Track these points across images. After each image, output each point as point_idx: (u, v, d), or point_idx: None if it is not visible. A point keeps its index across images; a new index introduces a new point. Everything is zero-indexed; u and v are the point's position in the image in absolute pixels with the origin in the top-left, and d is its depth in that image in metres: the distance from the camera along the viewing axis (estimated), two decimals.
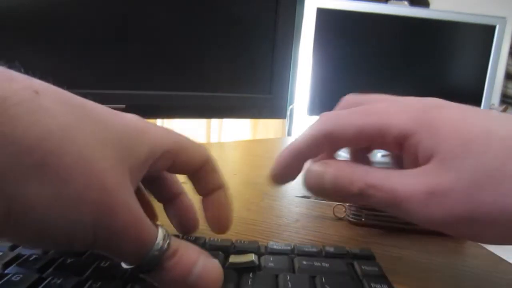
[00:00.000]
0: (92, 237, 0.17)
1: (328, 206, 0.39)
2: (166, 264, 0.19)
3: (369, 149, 0.28)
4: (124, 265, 0.19)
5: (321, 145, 0.24)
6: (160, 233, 0.19)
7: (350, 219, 0.37)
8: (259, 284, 0.22)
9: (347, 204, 0.37)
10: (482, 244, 0.34)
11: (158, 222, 0.28)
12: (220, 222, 0.26)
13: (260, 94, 0.50)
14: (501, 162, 0.18)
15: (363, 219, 0.36)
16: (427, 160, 0.21)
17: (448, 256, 0.31)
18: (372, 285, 0.22)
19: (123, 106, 0.44)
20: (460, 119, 0.21)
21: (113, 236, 0.17)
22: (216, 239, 0.27)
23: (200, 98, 0.48)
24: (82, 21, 0.42)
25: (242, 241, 0.27)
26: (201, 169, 0.25)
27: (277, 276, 0.22)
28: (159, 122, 1.42)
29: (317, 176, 0.23)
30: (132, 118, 0.22)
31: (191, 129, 1.52)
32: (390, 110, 0.23)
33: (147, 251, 0.18)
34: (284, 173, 0.25)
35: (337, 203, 0.38)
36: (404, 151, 0.23)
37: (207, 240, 0.27)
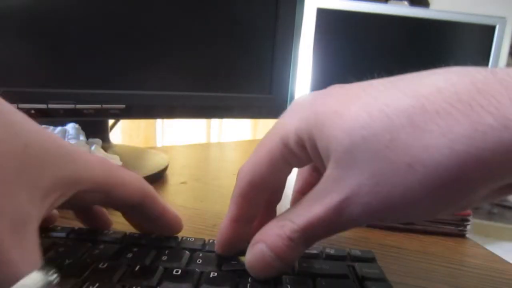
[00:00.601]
0: None
1: None
2: None
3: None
4: None
5: (254, 201, 0.23)
6: (32, 277, 0.15)
7: None
8: (259, 286, 0.21)
9: None
10: (482, 244, 0.34)
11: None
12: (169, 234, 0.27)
13: (260, 94, 0.50)
14: (385, 142, 0.17)
15: None
16: (327, 162, 0.19)
17: (448, 256, 0.31)
18: (373, 287, 0.22)
19: (123, 106, 0.44)
20: (340, 105, 0.19)
21: None
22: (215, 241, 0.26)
23: (200, 98, 0.48)
24: (82, 21, 0.42)
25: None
26: (141, 204, 0.25)
27: (277, 278, 0.22)
28: (159, 122, 1.42)
29: (260, 262, 0.21)
30: (52, 136, 0.19)
31: (191, 129, 1.52)
32: (286, 117, 0.21)
33: None
34: (231, 245, 0.24)
35: None
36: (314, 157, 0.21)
37: (206, 241, 0.26)
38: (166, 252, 0.24)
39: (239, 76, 0.50)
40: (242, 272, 0.23)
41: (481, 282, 0.28)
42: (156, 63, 0.46)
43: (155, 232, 0.27)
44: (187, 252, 0.25)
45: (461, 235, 0.35)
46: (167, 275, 0.22)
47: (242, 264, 0.23)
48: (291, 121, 0.21)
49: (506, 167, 0.15)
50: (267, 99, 0.50)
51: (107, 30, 0.43)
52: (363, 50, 0.89)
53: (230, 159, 0.68)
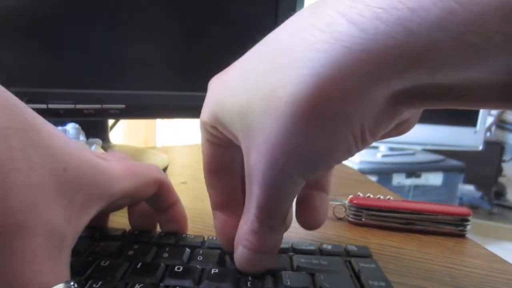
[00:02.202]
0: None
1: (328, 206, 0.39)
2: None
3: None
4: None
5: (221, 186, 0.24)
6: None
7: (350, 219, 0.37)
8: (259, 282, 0.22)
9: (347, 204, 0.37)
10: (482, 244, 0.34)
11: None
12: (176, 231, 0.27)
13: None
14: (248, 96, 0.18)
15: (363, 219, 0.36)
16: (238, 138, 0.20)
17: (448, 256, 0.31)
18: (370, 282, 0.22)
19: (123, 106, 0.44)
20: (228, 75, 0.21)
21: None
22: (215, 238, 0.27)
23: (200, 98, 0.48)
24: (82, 21, 0.42)
25: None
26: (156, 192, 0.26)
27: (276, 274, 0.22)
28: (159, 122, 1.42)
29: (245, 262, 0.22)
30: (89, 156, 0.20)
31: (191, 129, 1.52)
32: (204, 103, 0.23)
33: None
34: (226, 235, 0.24)
35: (337, 203, 0.38)
36: None
37: (205, 239, 0.27)
38: (167, 249, 0.24)
39: None
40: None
41: (481, 282, 0.28)
42: (156, 63, 0.46)
43: (160, 227, 0.28)
44: (187, 249, 0.25)
45: (461, 235, 0.35)
46: (169, 272, 0.22)
47: None
48: (204, 107, 0.22)
49: (353, 77, 0.15)
50: None
51: (107, 30, 0.43)
52: None
53: None
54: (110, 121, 0.59)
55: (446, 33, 0.13)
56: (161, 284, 0.21)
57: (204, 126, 0.22)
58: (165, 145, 1.01)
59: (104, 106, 0.43)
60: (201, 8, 0.46)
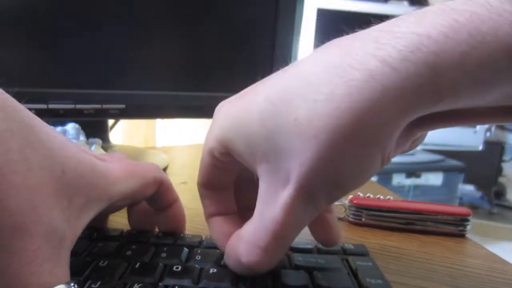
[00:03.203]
0: None
1: None
2: None
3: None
4: None
5: (215, 199, 0.24)
6: None
7: (350, 219, 0.37)
8: (257, 281, 0.22)
9: (347, 204, 0.37)
10: (482, 244, 0.34)
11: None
12: (174, 230, 0.27)
13: None
14: (292, 122, 0.18)
15: (363, 219, 0.36)
16: (255, 163, 0.20)
17: (448, 256, 0.31)
18: (368, 279, 0.22)
19: (123, 106, 0.44)
20: (247, 101, 0.20)
21: None
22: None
23: (200, 98, 0.48)
24: (82, 21, 0.42)
25: None
26: (156, 191, 0.26)
27: (274, 272, 0.23)
28: (159, 122, 1.42)
29: (239, 270, 0.21)
30: (88, 158, 0.20)
31: (191, 129, 1.52)
32: (210, 128, 0.23)
33: None
34: (223, 240, 0.24)
35: (337, 203, 0.38)
36: None
37: (203, 238, 0.27)
38: (165, 249, 0.25)
39: (239, 76, 0.49)
40: None
41: (481, 282, 0.28)
42: (156, 63, 0.46)
43: (158, 227, 0.28)
44: (185, 248, 0.25)
45: (461, 235, 0.35)
46: (168, 272, 0.22)
47: None
48: (213, 132, 0.22)
49: (387, 109, 0.17)
50: None
51: (107, 30, 0.43)
52: None
53: None
54: (110, 121, 0.59)
55: (466, 73, 0.16)
56: (160, 284, 0.21)
57: (211, 151, 0.22)
58: (165, 145, 1.01)
59: (104, 106, 0.43)
60: (201, 8, 0.46)
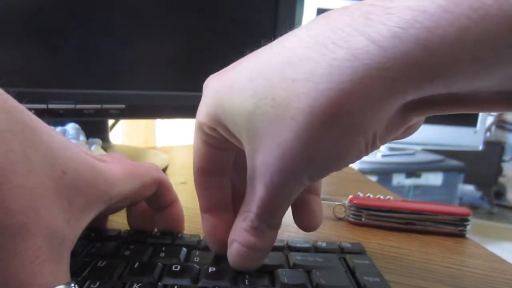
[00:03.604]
0: None
1: (328, 206, 0.39)
2: None
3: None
4: None
5: (212, 188, 0.24)
6: None
7: (350, 219, 0.37)
8: (256, 280, 0.22)
9: (347, 204, 0.37)
10: (482, 244, 0.34)
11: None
12: (173, 230, 0.27)
13: None
14: (270, 103, 0.17)
15: (363, 219, 0.36)
16: (243, 140, 0.20)
17: (448, 256, 0.31)
18: (365, 277, 0.23)
19: (123, 106, 0.44)
20: (231, 78, 0.20)
21: None
22: None
23: (200, 98, 0.48)
24: (82, 21, 0.42)
25: None
26: (156, 191, 0.26)
27: (273, 272, 0.23)
28: (159, 122, 1.42)
29: (240, 259, 0.22)
30: (88, 160, 0.20)
31: (191, 129, 1.52)
32: (200, 105, 0.22)
33: None
34: (216, 238, 0.24)
35: (337, 203, 0.38)
36: None
37: (201, 238, 0.27)
38: (163, 248, 0.25)
39: None
40: None
41: (481, 282, 0.28)
42: (156, 63, 0.46)
43: (157, 227, 0.28)
44: (184, 248, 0.25)
45: (461, 235, 0.35)
46: (167, 271, 0.22)
47: None
48: (201, 108, 0.22)
49: (370, 92, 0.16)
50: None
51: (107, 30, 0.43)
52: None
53: None
54: (110, 121, 0.59)
55: (462, 51, 0.14)
56: (159, 284, 0.21)
57: (201, 126, 0.22)
58: (165, 145, 1.01)
59: (104, 106, 0.43)
60: (201, 8, 0.46)
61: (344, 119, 0.16)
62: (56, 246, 0.17)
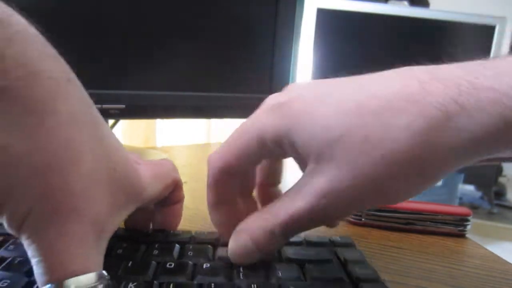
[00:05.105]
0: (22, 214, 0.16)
1: None
2: None
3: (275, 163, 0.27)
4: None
5: (227, 187, 0.24)
6: (92, 277, 0.17)
7: (350, 219, 0.37)
8: (251, 275, 0.22)
9: None
10: (482, 244, 0.34)
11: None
12: (167, 228, 0.28)
13: (260, 94, 0.50)
14: (361, 138, 0.19)
15: (363, 219, 0.36)
16: (308, 158, 0.21)
17: (448, 256, 0.31)
18: (357, 270, 0.23)
19: (123, 106, 0.44)
20: (317, 103, 0.21)
21: (38, 239, 0.17)
22: (204, 232, 0.27)
23: (200, 98, 0.48)
24: (81, 21, 0.42)
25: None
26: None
27: (267, 266, 0.23)
28: (159, 122, 1.42)
29: (242, 251, 0.22)
30: (131, 159, 0.22)
31: (191, 129, 1.52)
32: (262, 115, 0.22)
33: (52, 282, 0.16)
34: (224, 228, 0.25)
35: None
36: (292, 153, 0.22)
37: (193, 233, 0.27)
38: (156, 246, 0.24)
39: (239, 76, 0.50)
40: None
41: (481, 282, 0.28)
42: (156, 63, 0.46)
43: (154, 224, 0.28)
44: (177, 245, 0.25)
45: (461, 235, 0.35)
46: (162, 269, 0.22)
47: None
48: (268, 119, 0.22)
49: (459, 153, 0.18)
50: None
51: (107, 30, 0.43)
52: (363, 50, 0.89)
53: None
54: (110, 121, 0.59)
55: None
56: (155, 282, 0.21)
57: (260, 137, 0.22)
58: (165, 145, 1.01)
59: (104, 106, 0.43)
60: (201, 8, 0.46)
61: (427, 169, 0.19)
62: (98, 235, 0.18)
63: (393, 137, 0.19)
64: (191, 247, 0.25)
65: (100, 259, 0.18)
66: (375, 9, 0.86)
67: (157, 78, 0.46)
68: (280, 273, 0.22)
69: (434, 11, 0.93)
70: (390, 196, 0.20)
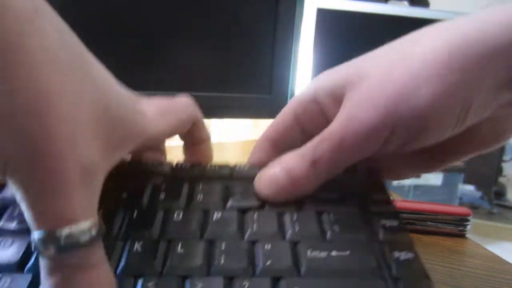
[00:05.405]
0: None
1: None
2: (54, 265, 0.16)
3: None
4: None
5: (290, 129, 0.25)
6: (84, 225, 0.16)
7: None
8: (264, 223, 0.21)
9: None
10: (482, 244, 0.34)
11: None
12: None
13: (259, 94, 0.50)
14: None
15: None
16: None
17: (448, 256, 0.31)
18: (383, 222, 0.21)
19: None
20: (378, 68, 0.24)
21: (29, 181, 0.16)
22: (216, 167, 0.26)
23: (200, 98, 0.48)
24: (81, 21, 0.42)
25: (242, 167, 0.26)
26: (190, 129, 0.26)
27: (281, 214, 0.21)
28: None
29: (270, 180, 0.22)
30: (129, 97, 0.21)
31: None
32: (321, 76, 0.24)
33: (46, 228, 0.16)
34: (259, 163, 0.25)
35: None
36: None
37: (206, 168, 0.26)
38: (162, 186, 0.23)
39: (239, 76, 0.49)
40: (246, 210, 0.22)
41: (481, 282, 0.28)
42: (156, 63, 0.46)
43: (185, 158, 0.29)
44: (185, 184, 0.23)
45: (461, 235, 0.35)
46: (168, 224, 0.21)
47: (248, 199, 0.23)
48: (330, 77, 0.24)
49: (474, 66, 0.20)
50: (267, 99, 0.50)
51: (107, 30, 0.43)
52: (363, 50, 0.88)
53: (231, 159, 0.68)
54: None
55: None
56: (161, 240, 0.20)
57: (303, 99, 0.24)
58: (166, 145, 1.01)
59: None
60: (201, 8, 0.46)
61: (457, 77, 0.20)
62: (88, 179, 0.17)
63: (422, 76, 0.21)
64: (201, 186, 0.23)
65: (92, 203, 0.17)
66: (375, 9, 0.86)
67: (157, 78, 0.46)
68: (296, 223, 0.21)
69: (434, 11, 0.93)
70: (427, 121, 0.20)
